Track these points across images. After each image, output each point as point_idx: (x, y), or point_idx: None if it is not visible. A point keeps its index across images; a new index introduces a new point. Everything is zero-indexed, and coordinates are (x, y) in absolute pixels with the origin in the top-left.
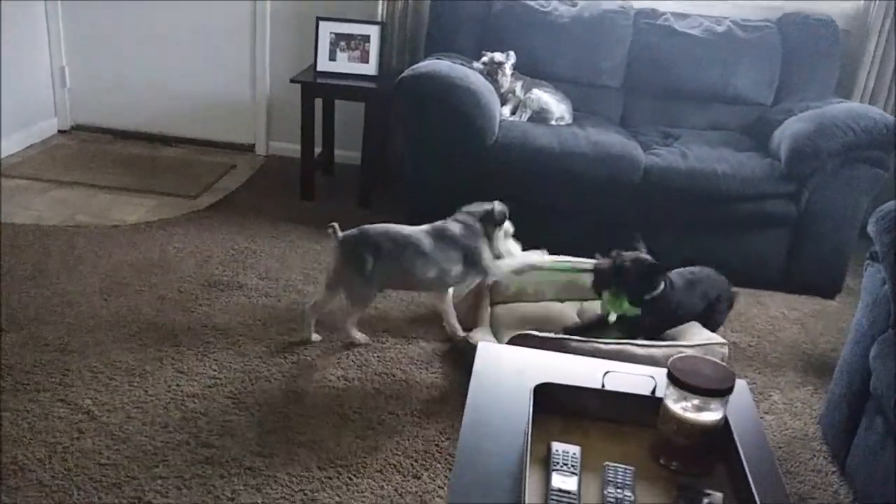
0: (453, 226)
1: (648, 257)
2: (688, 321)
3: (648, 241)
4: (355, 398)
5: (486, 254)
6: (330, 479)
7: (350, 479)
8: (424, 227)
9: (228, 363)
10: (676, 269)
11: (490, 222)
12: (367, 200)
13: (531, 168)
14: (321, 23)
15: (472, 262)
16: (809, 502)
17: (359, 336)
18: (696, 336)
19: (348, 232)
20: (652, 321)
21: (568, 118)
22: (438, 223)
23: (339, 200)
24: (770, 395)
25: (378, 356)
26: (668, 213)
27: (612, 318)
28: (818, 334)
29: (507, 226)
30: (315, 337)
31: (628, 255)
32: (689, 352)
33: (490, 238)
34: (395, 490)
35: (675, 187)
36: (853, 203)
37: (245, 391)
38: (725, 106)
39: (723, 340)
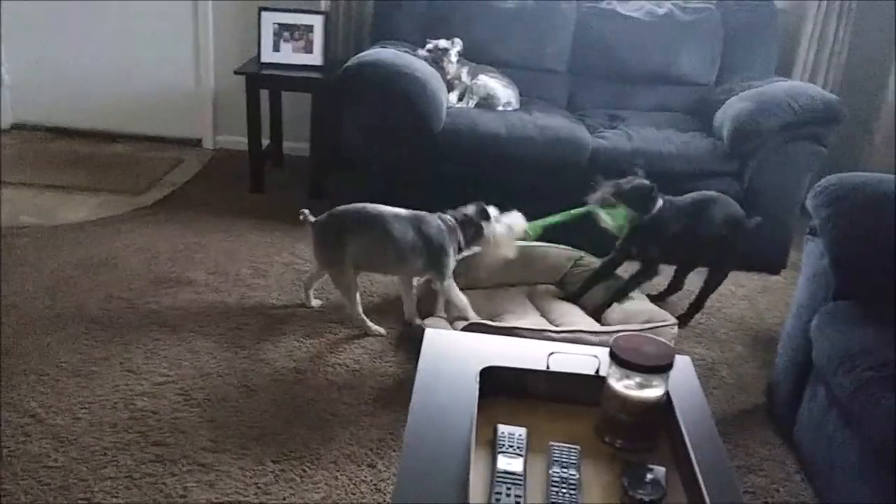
0: (433, 221)
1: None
2: (708, 245)
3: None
4: (308, 390)
5: (448, 262)
6: (283, 471)
7: (304, 470)
8: (403, 211)
9: (178, 360)
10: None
11: (470, 226)
12: (318, 190)
13: (479, 154)
14: (263, 13)
15: (432, 262)
16: (758, 473)
17: (372, 327)
18: (647, 319)
19: (320, 217)
20: (657, 245)
21: (515, 103)
22: (421, 213)
23: (289, 192)
24: (718, 371)
25: (330, 347)
26: None
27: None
28: (764, 309)
29: (492, 214)
30: (315, 303)
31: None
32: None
33: (468, 243)
34: (350, 480)
35: (621, 169)
36: (795, 179)
37: (196, 387)
38: (669, 87)
39: (673, 321)
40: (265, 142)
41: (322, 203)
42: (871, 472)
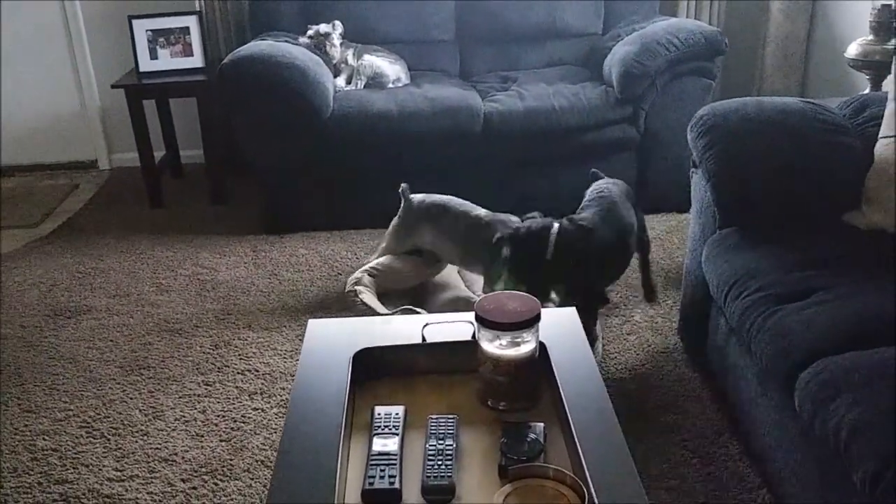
0: (495, 228)
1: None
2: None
3: (500, 182)
4: (218, 401)
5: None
6: (195, 489)
7: (216, 484)
8: (483, 212)
9: (79, 392)
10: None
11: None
12: (220, 196)
13: (371, 134)
14: (134, 21)
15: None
16: (675, 411)
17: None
18: None
19: (415, 196)
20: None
21: (405, 79)
22: (501, 215)
23: (190, 202)
24: (632, 316)
25: (239, 353)
26: (516, 154)
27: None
28: (675, 248)
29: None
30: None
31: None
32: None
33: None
34: (264, 486)
35: (516, 129)
36: (689, 116)
37: (99, 417)
38: (558, 41)
39: None
40: (161, 154)
41: (226, 209)
42: (766, 392)
